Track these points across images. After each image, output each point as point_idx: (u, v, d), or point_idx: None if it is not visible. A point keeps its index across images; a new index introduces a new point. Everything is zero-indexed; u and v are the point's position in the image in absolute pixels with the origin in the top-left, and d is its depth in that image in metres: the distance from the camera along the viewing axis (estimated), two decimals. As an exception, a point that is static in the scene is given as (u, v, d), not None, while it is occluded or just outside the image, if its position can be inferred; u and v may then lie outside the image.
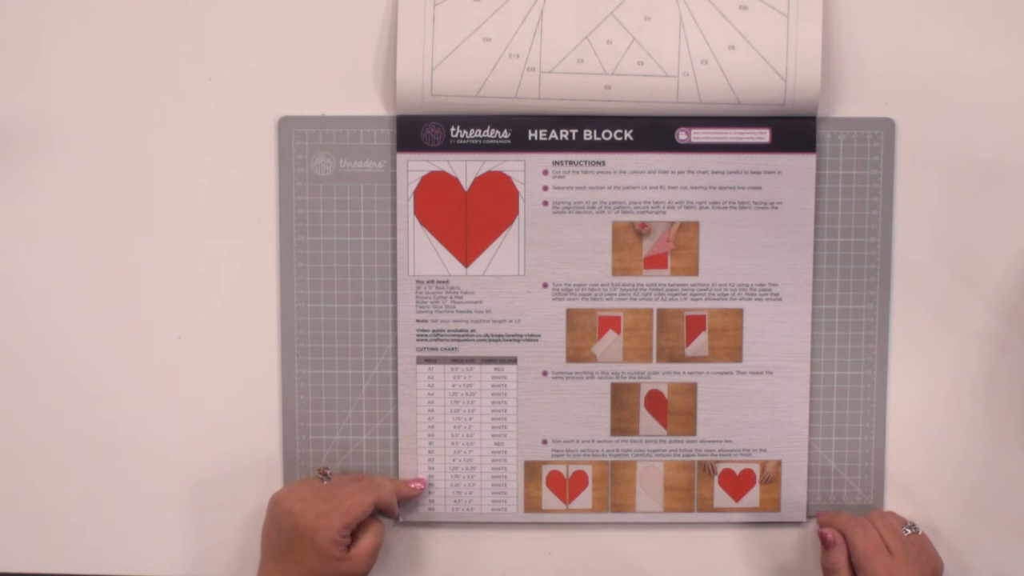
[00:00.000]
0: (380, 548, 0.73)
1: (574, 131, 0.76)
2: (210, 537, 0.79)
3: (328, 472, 0.75)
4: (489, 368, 0.78)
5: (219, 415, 0.79)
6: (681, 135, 0.76)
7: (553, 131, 0.76)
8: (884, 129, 0.77)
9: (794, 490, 0.78)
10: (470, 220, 0.77)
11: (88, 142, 0.77)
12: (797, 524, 0.79)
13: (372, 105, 0.77)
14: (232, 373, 0.78)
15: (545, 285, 0.77)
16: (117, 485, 0.79)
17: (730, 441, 0.78)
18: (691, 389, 0.78)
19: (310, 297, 0.78)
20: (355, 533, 0.72)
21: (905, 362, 0.78)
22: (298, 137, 0.77)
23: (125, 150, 0.77)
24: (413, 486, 0.77)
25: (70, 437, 0.79)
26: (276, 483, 0.79)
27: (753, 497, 0.79)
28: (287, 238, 0.78)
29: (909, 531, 0.75)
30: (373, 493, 0.73)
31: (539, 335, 0.78)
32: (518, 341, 0.78)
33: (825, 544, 0.75)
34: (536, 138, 0.76)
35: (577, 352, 0.78)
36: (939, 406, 0.79)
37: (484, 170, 0.76)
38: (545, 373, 0.78)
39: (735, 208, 0.77)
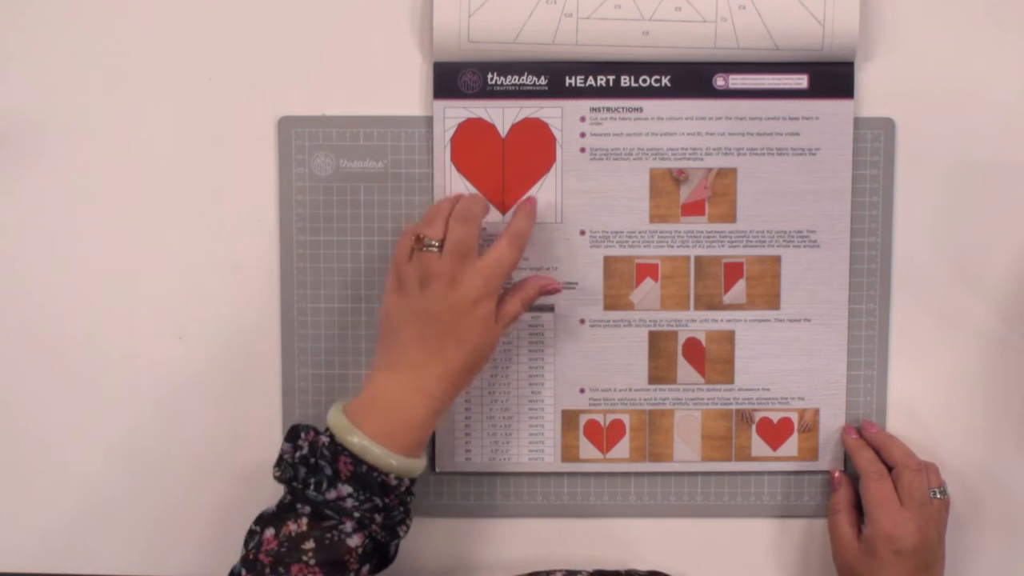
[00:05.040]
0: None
1: (611, 77, 0.76)
2: (211, 537, 0.79)
3: (428, 241, 0.70)
4: (526, 316, 0.77)
5: (220, 415, 0.78)
6: (719, 81, 0.76)
7: (590, 77, 0.76)
8: (884, 129, 0.77)
9: (832, 438, 0.78)
10: (507, 167, 0.77)
11: (88, 142, 0.77)
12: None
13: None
14: (233, 373, 0.78)
15: (582, 232, 0.77)
16: (118, 485, 0.79)
17: (768, 389, 0.78)
18: (729, 337, 0.78)
19: (310, 297, 0.77)
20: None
21: (905, 362, 0.78)
22: (298, 137, 0.77)
23: (125, 150, 0.77)
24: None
25: (70, 438, 0.79)
26: (278, 483, 0.78)
27: (791, 446, 0.78)
28: (287, 238, 0.77)
29: (937, 495, 0.74)
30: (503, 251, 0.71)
31: (576, 283, 0.77)
32: (555, 289, 0.77)
33: (831, 484, 0.78)
34: (573, 84, 0.76)
35: (615, 300, 0.77)
36: (938, 406, 0.79)
37: (521, 117, 0.76)
38: (582, 321, 0.78)
39: (773, 154, 0.77)
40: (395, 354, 0.69)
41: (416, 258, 0.69)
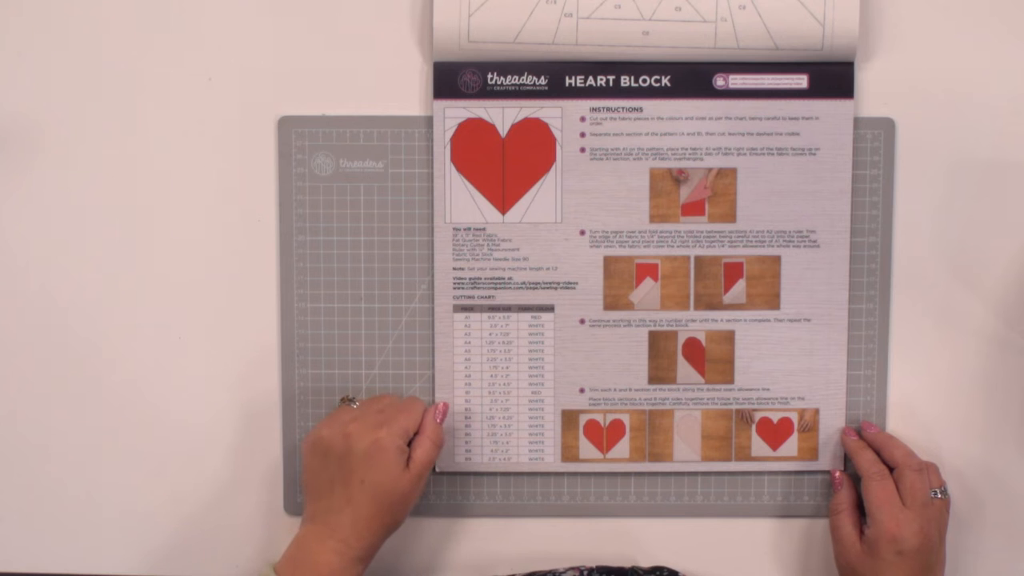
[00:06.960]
0: (431, 466, 0.73)
1: (611, 77, 0.76)
2: (212, 537, 0.79)
3: (354, 398, 0.75)
4: (526, 316, 0.78)
5: (219, 415, 0.78)
6: (719, 81, 0.76)
7: (590, 77, 0.76)
8: (884, 129, 0.77)
9: (832, 438, 0.78)
10: (507, 167, 0.77)
11: (88, 142, 0.77)
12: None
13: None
14: (233, 373, 0.78)
15: (582, 232, 0.77)
16: (118, 485, 0.79)
17: (768, 389, 0.78)
18: (729, 337, 0.78)
19: (310, 297, 0.77)
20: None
21: (905, 362, 0.78)
22: (298, 137, 0.77)
23: (125, 150, 0.77)
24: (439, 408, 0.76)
25: (70, 438, 0.79)
26: (278, 483, 0.79)
27: (791, 446, 0.78)
28: (287, 238, 0.77)
29: (938, 495, 0.74)
30: (419, 403, 0.74)
31: (576, 283, 0.77)
32: (555, 289, 0.77)
33: (832, 485, 0.77)
34: (573, 84, 0.76)
35: (614, 300, 0.77)
36: (938, 406, 0.79)
37: (521, 117, 0.76)
38: (582, 321, 0.78)
39: (773, 154, 0.77)
40: (312, 502, 0.71)
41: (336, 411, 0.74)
